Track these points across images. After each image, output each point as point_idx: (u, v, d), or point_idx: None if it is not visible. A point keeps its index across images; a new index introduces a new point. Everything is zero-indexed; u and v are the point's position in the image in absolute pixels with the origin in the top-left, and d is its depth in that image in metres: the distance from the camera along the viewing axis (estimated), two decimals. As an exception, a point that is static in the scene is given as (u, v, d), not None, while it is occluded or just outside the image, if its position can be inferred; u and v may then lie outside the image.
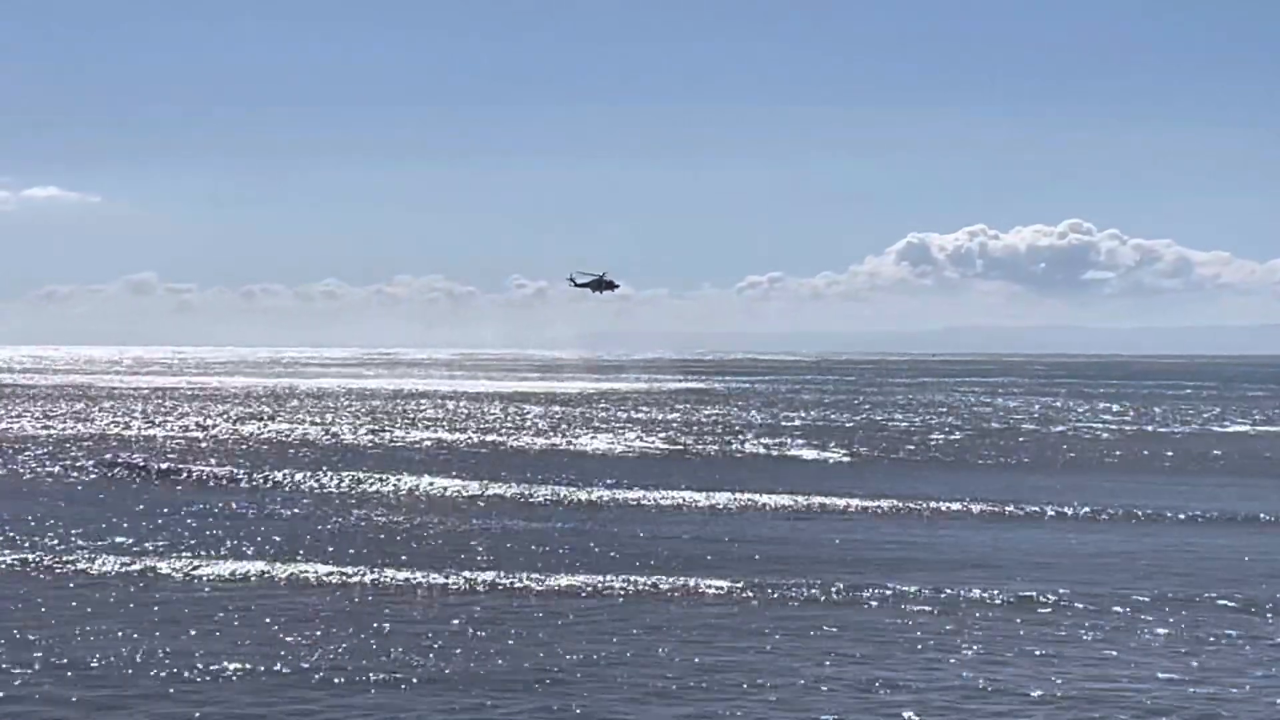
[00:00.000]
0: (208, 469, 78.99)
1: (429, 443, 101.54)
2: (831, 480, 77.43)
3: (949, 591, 43.38)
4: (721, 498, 67.69)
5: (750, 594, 42.88)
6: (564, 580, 44.73)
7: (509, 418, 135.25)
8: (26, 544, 51.09)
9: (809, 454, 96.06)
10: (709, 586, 43.85)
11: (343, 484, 72.38)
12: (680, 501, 66.43)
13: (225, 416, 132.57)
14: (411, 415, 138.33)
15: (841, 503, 66.04)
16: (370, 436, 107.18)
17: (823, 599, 42.43)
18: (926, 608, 41.28)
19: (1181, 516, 63.45)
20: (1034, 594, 43.26)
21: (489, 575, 45.38)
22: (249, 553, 50.06)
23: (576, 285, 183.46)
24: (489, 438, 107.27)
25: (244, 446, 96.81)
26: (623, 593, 43.11)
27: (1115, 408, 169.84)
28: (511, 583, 44.35)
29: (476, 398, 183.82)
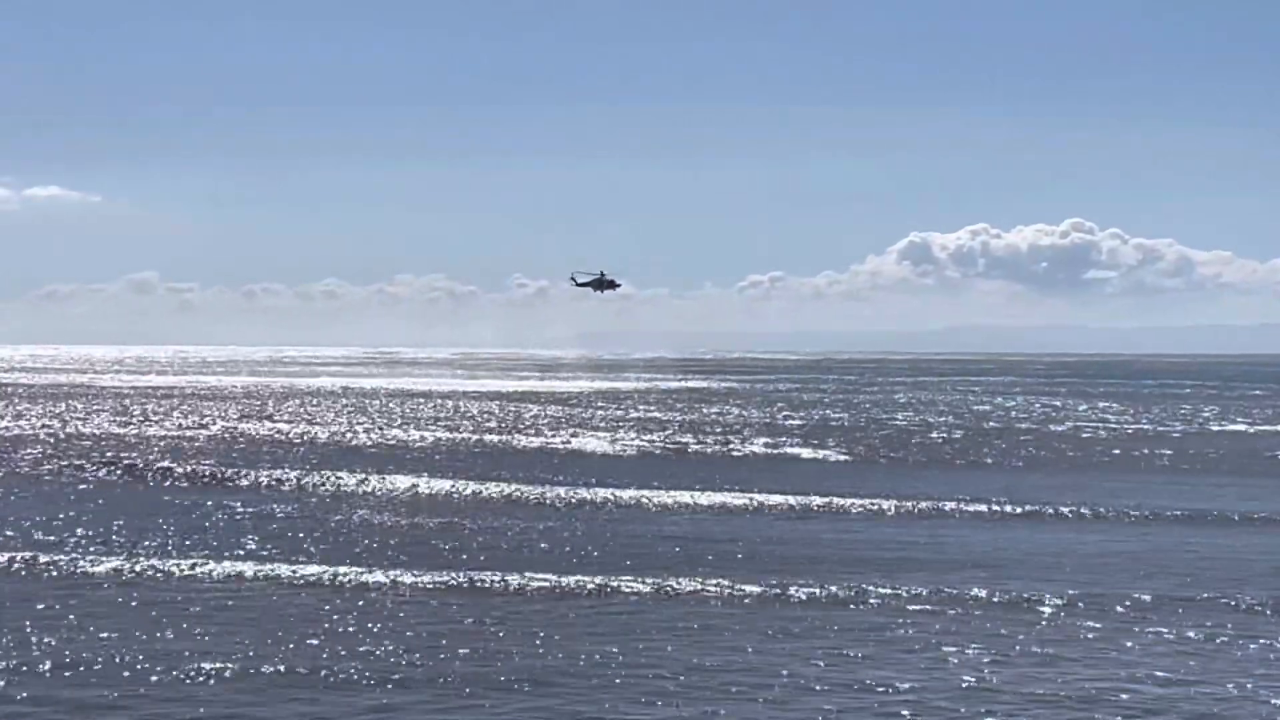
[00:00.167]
0: (207, 468, 78.95)
1: (428, 442, 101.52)
2: (831, 480, 77.39)
3: (949, 591, 43.36)
4: (721, 497, 67.68)
5: (750, 594, 42.85)
6: (563, 580, 44.69)
7: (508, 417, 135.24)
8: (26, 544, 51.07)
9: (809, 454, 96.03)
10: (709, 586, 43.82)
11: (343, 483, 72.35)
12: (680, 501, 66.39)
13: (224, 416, 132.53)
14: (411, 414, 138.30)
15: (841, 503, 66.01)
16: (370, 436, 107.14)
17: (823, 599, 42.41)
18: (926, 608, 41.26)
19: (1181, 516, 63.43)
20: (1034, 594, 43.25)
21: (488, 575, 45.34)
22: (247, 552, 50.04)
23: (578, 284, 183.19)
24: (488, 437, 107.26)
25: (243, 446, 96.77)
26: (622, 592, 43.08)
27: (1116, 407, 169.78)
28: (511, 583, 44.31)
29: (476, 397, 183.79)
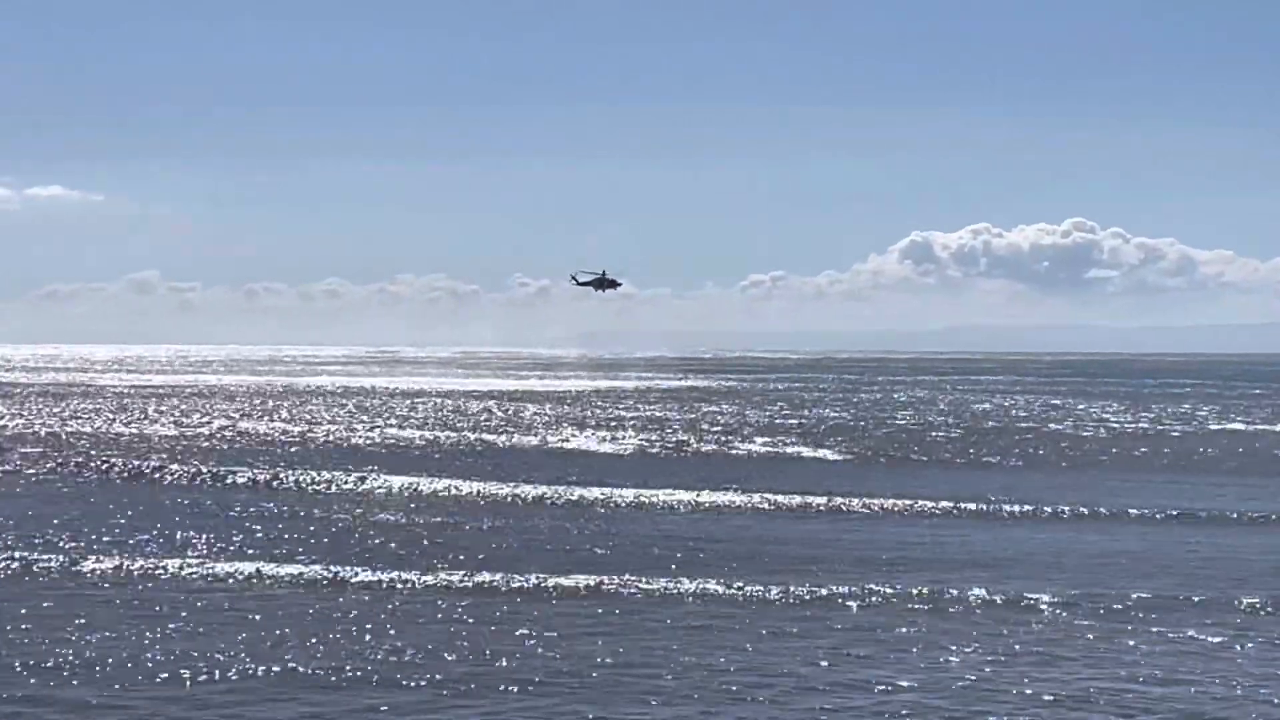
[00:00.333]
0: (206, 468, 78.92)
1: (428, 441, 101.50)
2: (831, 480, 77.35)
3: (949, 591, 43.36)
4: (721, 497, 67.66)
5: (750, 594, 42.83)
6: (563, 580, 44.67)
7: (508, 416, 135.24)
8: (25, 544, 51.04)
9: (809, 453, 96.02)
10: (709, 586, 43.80)
11: (342, 483, 72.34)
12: (680, 501, 66.37)
13: (224, 415, 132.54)
14: (411, 414, 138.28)
15: (841, 502, 65.99)
16: (370, 435, 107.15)
17: (823, 599, 42.39)
18: (926, 608, 41.26)
19: (1181, 516, 63.41)
20: (1033, 594, 43.24)
21: (488, 575, 45.34)
22: (247, 552, 50.03)
23: (579, 284, 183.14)
24: (488, 436, 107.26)
25: (243, 445, 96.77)
26: (622, 592, 43.06)
27: (1117, 406, 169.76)
28: (510, 582, 44.30)
29: (477, 396, 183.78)
